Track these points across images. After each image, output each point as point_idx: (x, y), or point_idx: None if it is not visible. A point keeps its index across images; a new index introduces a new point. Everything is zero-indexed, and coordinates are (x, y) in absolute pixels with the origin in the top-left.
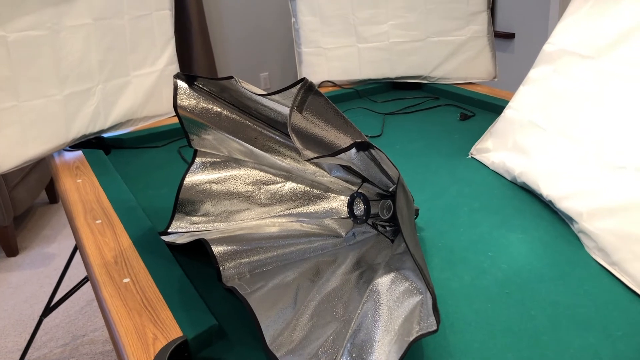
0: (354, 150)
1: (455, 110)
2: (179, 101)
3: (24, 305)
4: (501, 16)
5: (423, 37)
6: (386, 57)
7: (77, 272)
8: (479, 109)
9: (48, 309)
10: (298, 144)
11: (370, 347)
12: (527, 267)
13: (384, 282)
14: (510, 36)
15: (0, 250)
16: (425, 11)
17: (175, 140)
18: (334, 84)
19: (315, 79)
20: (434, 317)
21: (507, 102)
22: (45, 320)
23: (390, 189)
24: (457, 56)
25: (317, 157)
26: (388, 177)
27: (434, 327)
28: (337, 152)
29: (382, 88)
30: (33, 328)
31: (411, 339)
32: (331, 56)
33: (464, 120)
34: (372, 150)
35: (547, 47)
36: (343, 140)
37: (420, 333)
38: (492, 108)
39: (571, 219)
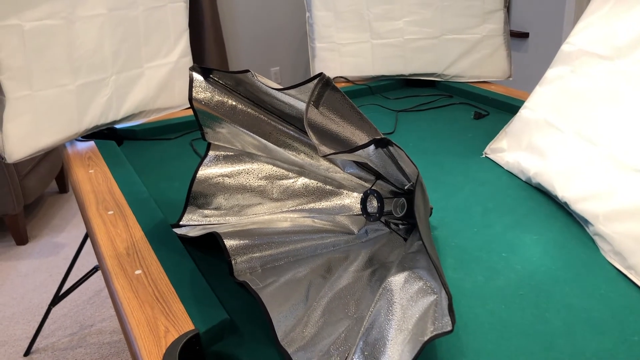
0: (372, 146)
1: (469, 108)
2: (194, 94)
3: (33, 294)
4: (516, 15)
5: (438, 35)
6: (400, 53)
7: (86, 262)
8: (493, 108)
9: (57, 298)
10: (314, 140)
11: (383, 345)
12: (542, 268)
13: (397, 280)
14: (524, 35)
15: (10, 239)
16: (440, 8)
17: (188, 132)
18: (346, 79)
19: (328, 74)
20: (449, 317)
21: (521, 101)
22: (54, 309)
23: (406, 187)
24: (472, 54)
25: (334, 153)
26: (405, 174)
27: (449, 328)
28: (355, 148)
29: (395, 85)
30: (42, 316)
31: (426, 338)
32: (344, 52)
33: (478, 119)
34: (390, 147)
35: (565, 47)
36: (359, 137)
37: (435, 333)
38: (507, 107)
39: (586, 221)
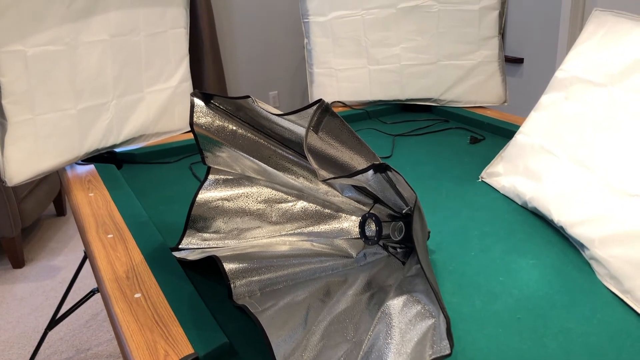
0: (371, 171)
1: (465, 133)
2: (195, 119)
3: (28, 318)
4: (510, 41)
5: (434, 61)
6: (397, 79)
7: (82, 285)
8: (489, 132)
9: (53, 322)
10: (314, 164)
11: None
12: (539, 293)
13: (395, 304)
14: (519, 61)
15: (6, 262)
16: (436, 35)
17: (187, 156)
18: (344, 104)
19: (325, 99)
20: (447, 341)
21: (516, 126)
22: (50, 333)
23: (404, 211)
24: (468, 80)
25: (334, 178)
26: (402, 199)
27: (448, 351)
28: (354, 173)
29: (391, 109)
30: (37, 341)
31: None
32: (342, 77)
33: (474, 143)
34: (389, 172)
35: (559, 74)
36: (357, 161)
37: (433, 357)
38: (502, 132)
39: (582, 246)
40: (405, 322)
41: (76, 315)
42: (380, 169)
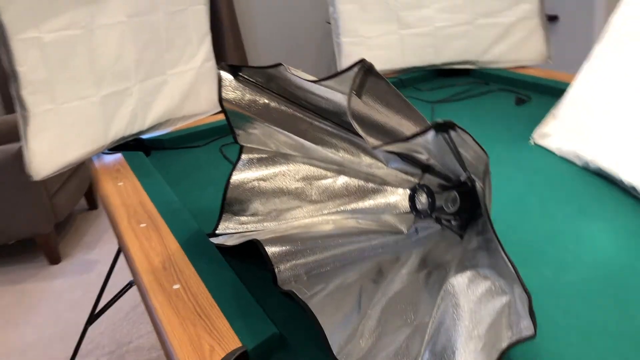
0: (432, 133)
1: (508, 95)
2: (223, 94)
3: (69, 314)
4: None
5: (470, 20)
6: (431, 42)
7: (120, 277)
8: (534, 92)
9: (93, 317)
10: (361, 132)
11: (452, 354)
12: (616, 259)
13: (459, 282)
14: (553, 19)
15: (42, 259)
16: None
17: (216, 139)
18: None
19: None
20: (529, 320)
21: (564, 83)
22: (90, 328)
23: (462, 178)
24: (507, 38)
25: (389, 143)
26: (463, 165)
27: (531, 332)
28: (414, 134)
29: (427, 76)
30: (78, 336)
31: (504, 345)
32: (372, 45)
33: (520, 104)
34: (452, 132)
35: (616, 18)
36: (407, 127)
37: (514, 339)
38: (548, 91)
39: None
40: (473, 301)
41: (115, 308)
42: (445, 128)
